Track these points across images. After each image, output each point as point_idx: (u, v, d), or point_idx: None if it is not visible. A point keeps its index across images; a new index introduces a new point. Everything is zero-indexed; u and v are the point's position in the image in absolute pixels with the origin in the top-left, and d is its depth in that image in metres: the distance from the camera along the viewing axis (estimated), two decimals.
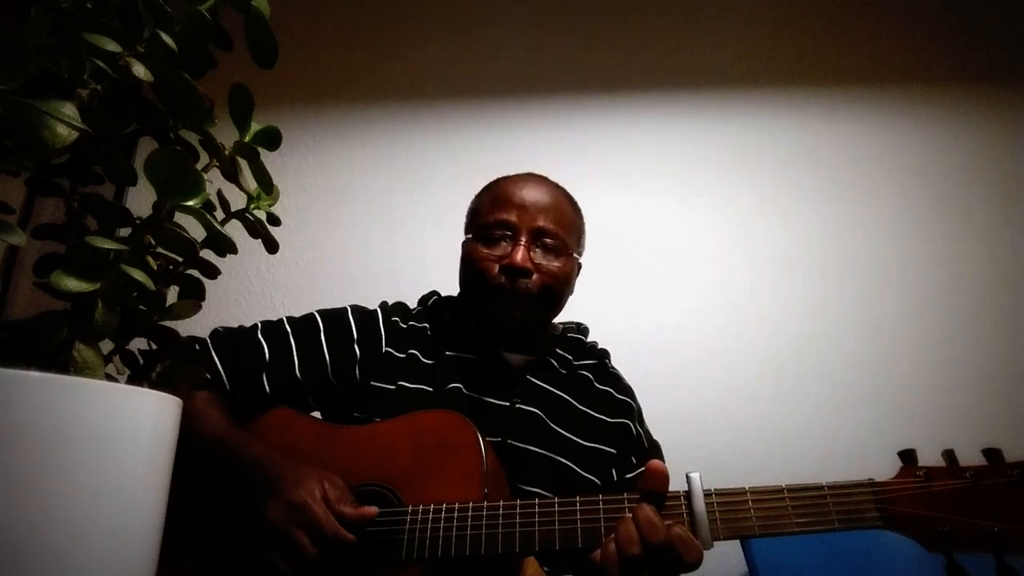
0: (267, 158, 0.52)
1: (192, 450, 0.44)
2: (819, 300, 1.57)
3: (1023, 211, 1.60)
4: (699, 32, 1.78)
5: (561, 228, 0.92)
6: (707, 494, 0.64)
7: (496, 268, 0.88)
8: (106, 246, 0.41)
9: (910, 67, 1.72)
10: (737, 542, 1.16)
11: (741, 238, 1.62)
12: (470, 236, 0.95)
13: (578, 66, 1.78)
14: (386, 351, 0.90)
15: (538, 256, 0.89)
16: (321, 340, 0.89)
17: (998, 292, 1.54)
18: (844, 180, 1.65)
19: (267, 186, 0.53)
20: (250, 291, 1.64)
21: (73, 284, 0.39)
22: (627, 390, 0.99)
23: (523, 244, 0.88)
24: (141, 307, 0.45)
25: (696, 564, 0.61)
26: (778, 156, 1.68)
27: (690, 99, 1.74)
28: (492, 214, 0.91)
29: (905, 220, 1.61)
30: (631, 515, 0.63)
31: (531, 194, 0.92)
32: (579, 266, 1.00)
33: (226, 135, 0.49)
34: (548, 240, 0.90)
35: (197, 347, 0.86)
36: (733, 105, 1.72)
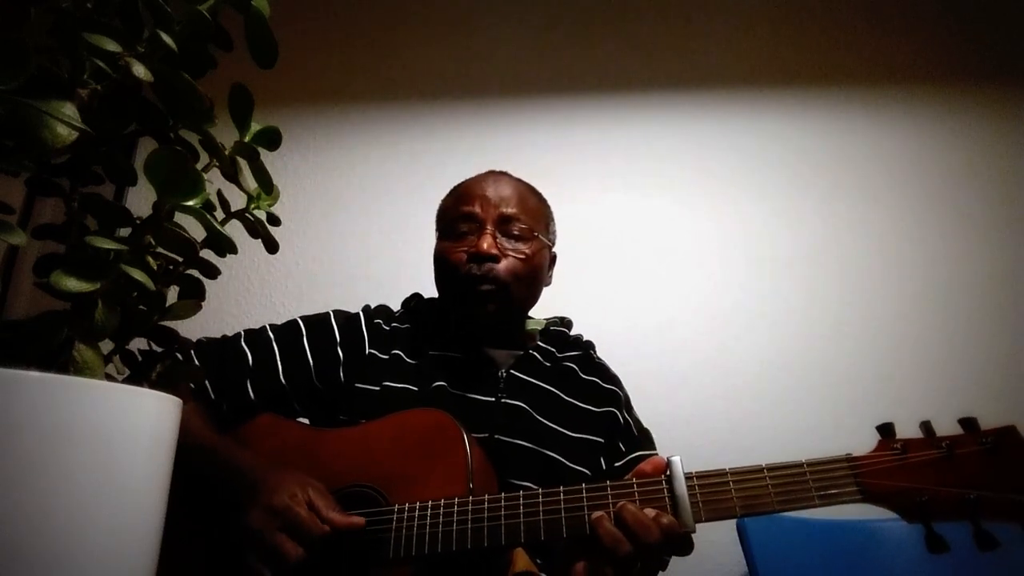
0: (267, 158, 0.52)
1: (178, 461, 0.44)
2: (819, 300, 1.56)
3: (1022, 211, 1.60)
4: (699, 32, 1.78)
5: (525, 214, 0.94)
6: (688, 477, 0.65)
7: (465, 258, 0.90)
8: (106, 246, 0.41)
9: (910, 67, 1.71)
10: (737, 541, 1.17)
11: (741, 238, 1.62)
12: (439, 236, 0.98)
13: (578, 66, 1.78)
14: (369, 352, 0.90)
15: (505, 243, 0.91)
16: (304, 344, 0.90)
17: (997, 291, 1.54)
18: (844, 180, 1.65)
19: (267, 186, 0.53)
20: (250, 291, 1.64)
21: (73, 284, 0.39)
22: (613, 379, 0.99)
23: (488, 232, 0.90)
24: (141, 307, 0.45)
25: (687, 552, 0.63)
26: (778, 156, 1.68)
27: (690, 99, 1.74)
28: (456, 209, 0.95)
29: (905, 220, 1.61)
30: (614, 516, 0.63)
31: (492, 186, 0.95)
32: (553, 256, 1.01)
33: (226, 135, 0.49)
34: (514, 227, 0.92)
35: (180, 357, 0.87)
36: (733, 105, 1.72)
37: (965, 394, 1.46)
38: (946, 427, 0.62)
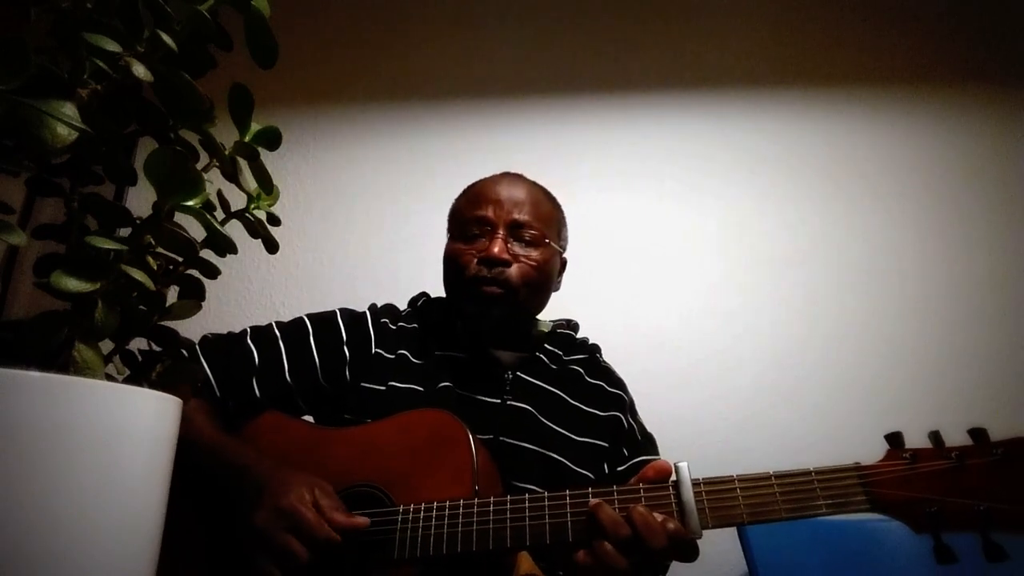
0: (267, 158, 0.52)
1: (182, 457, 0.44)
2: (818, 300, 1.56)
3: (1023, 211, 1.60)
4: (699, 32, 1.78)
5: (538, 220, 0.93)
6: (695, 483, 0.65)
7: (475, 260, 0.90)
8: (106, 246, 0.41)
9: (910, 67, 1.72)
10: (737, 542, 1.17)
11: (741, 238, 1.62)
12: (450, 236, 0.98)
13: (578, 66, 1.78)
14: (376, 352, 0.90)
15: (516, 248, 0.91)
16: (310, 343, 0.90)
17: (996, 291, 1.54)
18: (844, 180, 1.65)
19: (267, 186, 0.53)
20: (250, 291, 1.64)
21: (73, 284, 0.39)
22: (619, 383, 0.99)
23: (500, 236, 0.90)
24: (141, 307, 0.45)
25: (693, 558, 0.62)
26: (778, 156, 1.68)
27: (690, 99, 1.74)
28: (469, 211, 0.94)
29: (904, 219, 1.61)
30: (625, 518, 0.63)
31: (506, 190, 0.94)
32: (563, 261, 1.01)
33: (226, 135, 0.49)
34: (525, 232, 0.92)
35: (185, 354, 0.86)
36: (733, 105, 1.72)
37: (965, 395, 1.46)
38: (949, 432, 0.62)
